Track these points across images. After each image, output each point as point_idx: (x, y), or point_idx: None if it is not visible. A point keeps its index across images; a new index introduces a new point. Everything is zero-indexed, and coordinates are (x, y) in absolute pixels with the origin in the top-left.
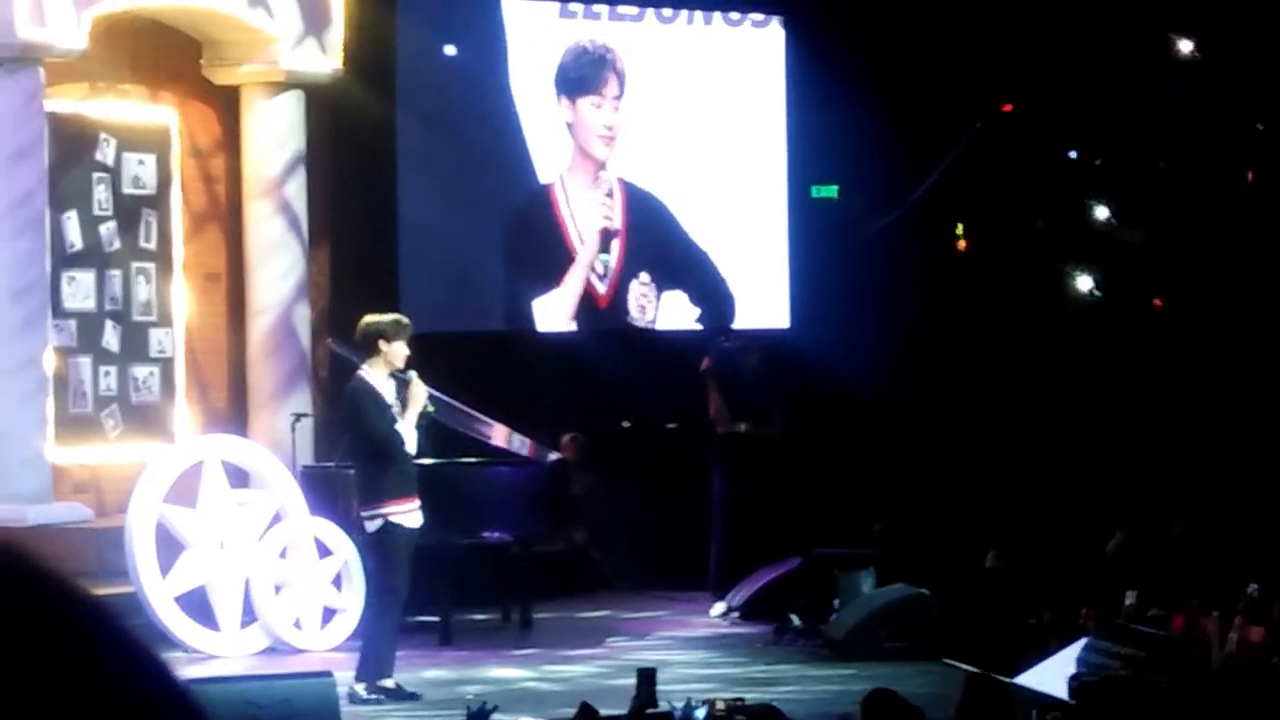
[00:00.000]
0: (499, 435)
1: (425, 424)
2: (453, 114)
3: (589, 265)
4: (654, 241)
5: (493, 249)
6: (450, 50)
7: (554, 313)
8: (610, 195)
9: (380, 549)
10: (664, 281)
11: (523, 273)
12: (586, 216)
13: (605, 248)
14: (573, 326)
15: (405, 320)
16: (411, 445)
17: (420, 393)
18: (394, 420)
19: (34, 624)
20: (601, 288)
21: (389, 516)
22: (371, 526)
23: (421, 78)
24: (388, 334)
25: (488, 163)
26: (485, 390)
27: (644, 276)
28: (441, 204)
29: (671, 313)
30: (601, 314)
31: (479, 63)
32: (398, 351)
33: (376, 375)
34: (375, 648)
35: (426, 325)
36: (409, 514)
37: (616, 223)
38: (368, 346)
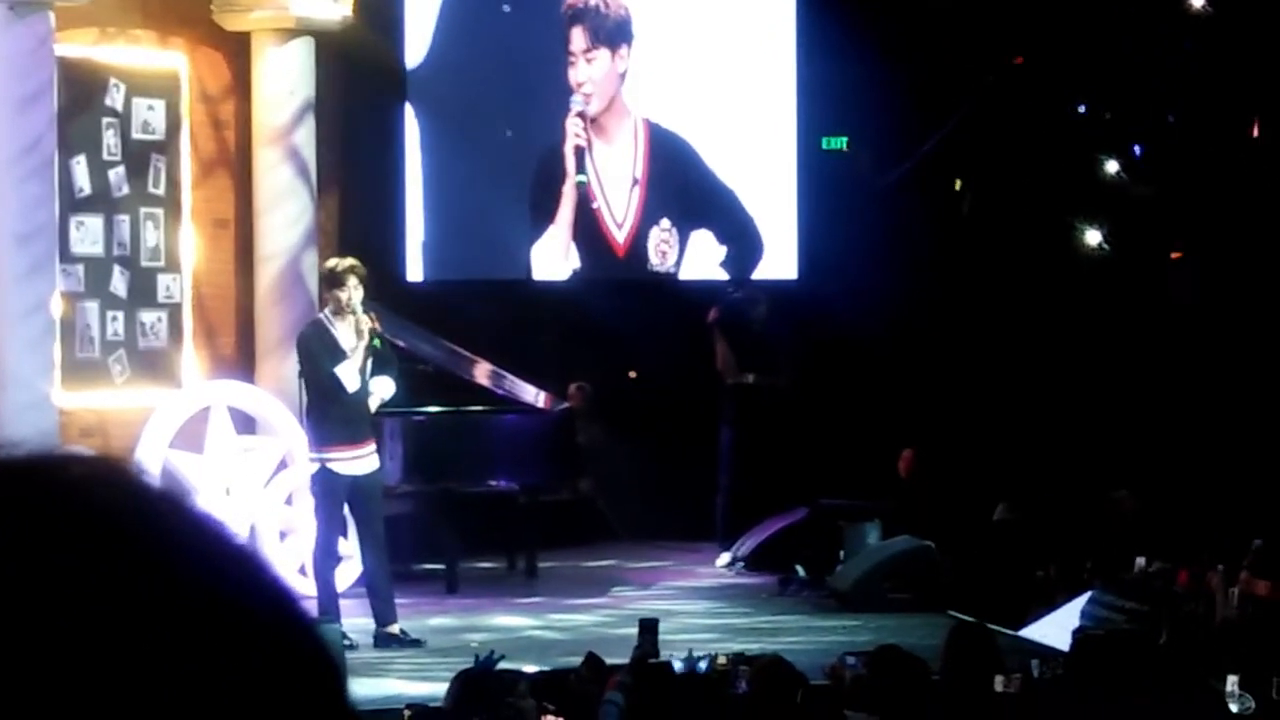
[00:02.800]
0: (487, 376)
1: (378, 363)
2: (470, 61)
3: (599, 210)
4: (676, 185)
5: (503, 198)
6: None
7: (551, 254)
8: (632, 142)
9: (315, 491)
10: (687, 224)
11: (533, 218)
12: (605, 166)
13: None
14: (570, 268)
15: (349, 262)
16: (351, 386)
17: (363, 327)
18: (338, 362)
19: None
20: (619, 236)
21: (326, 462)
22: (311, 470)
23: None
24: (336, 277)
25: (503, 110)
26: (494, 339)
27: (665, 223)
28: (451, 152)
29: (696, 255)
30: (620, 263)
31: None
32: (349, 295)
33: (334, 319)
34: (319, 592)
35: (435, 274)
36: (349, 461)
37: (638, 171)
38: (328, 291)
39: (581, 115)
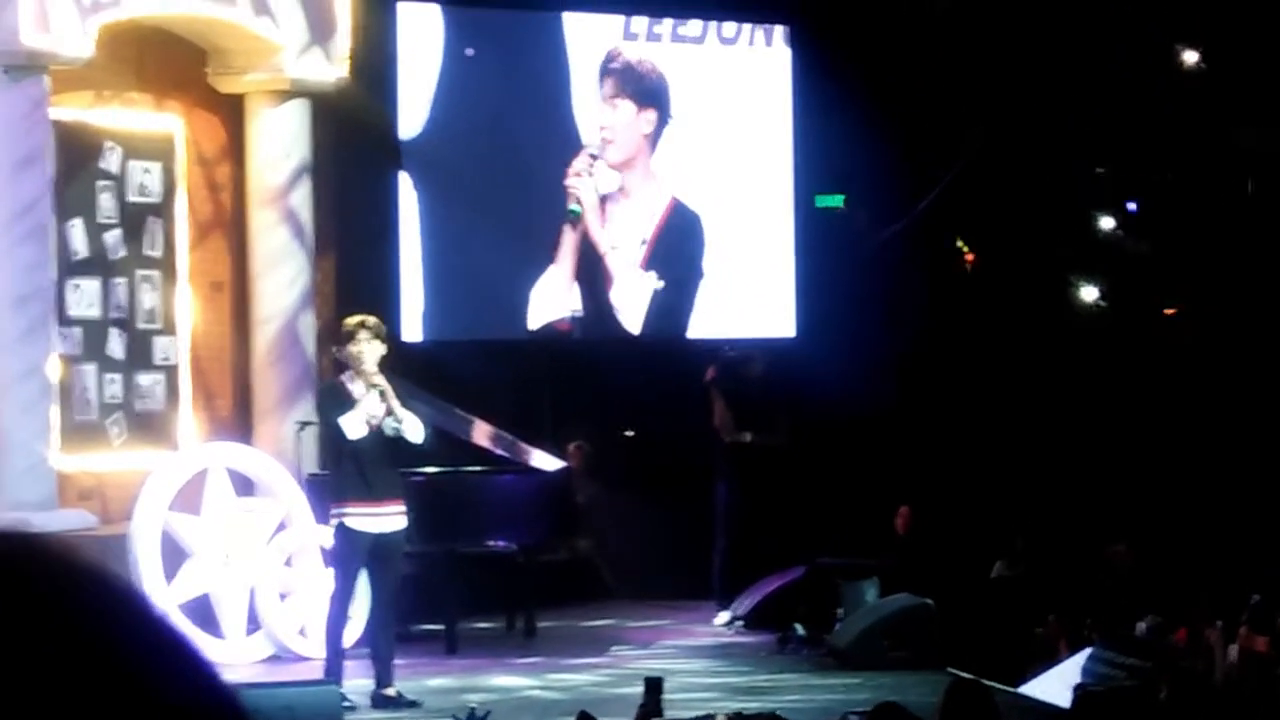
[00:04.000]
0: (486, 437)
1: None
2: (468, 125)
3: (606, 254)
4: (677, 251)
5: (500, 257)
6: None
7: (552, 294)
8: (652, 207)
9: (334, 549)
10: (674, 284)
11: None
12: (622, 221)
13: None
14: (570, 309)
15: (359, 318)
16: (351, 434)
17: (372, 395)
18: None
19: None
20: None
21: (343, 518)
22: (330, 527)
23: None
24: (347, 333)
25: (503, 172)
26: (491, 399)
27: (652, 274)
28: (446, 213)
29: (698, 312)
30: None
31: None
32: (360, 350)
33: (353, 377)
34: (328, 651)
35: (431, 334)
36: (366, 518)
37: (647, 233)
38: (340, 349)
39: (594, 156)
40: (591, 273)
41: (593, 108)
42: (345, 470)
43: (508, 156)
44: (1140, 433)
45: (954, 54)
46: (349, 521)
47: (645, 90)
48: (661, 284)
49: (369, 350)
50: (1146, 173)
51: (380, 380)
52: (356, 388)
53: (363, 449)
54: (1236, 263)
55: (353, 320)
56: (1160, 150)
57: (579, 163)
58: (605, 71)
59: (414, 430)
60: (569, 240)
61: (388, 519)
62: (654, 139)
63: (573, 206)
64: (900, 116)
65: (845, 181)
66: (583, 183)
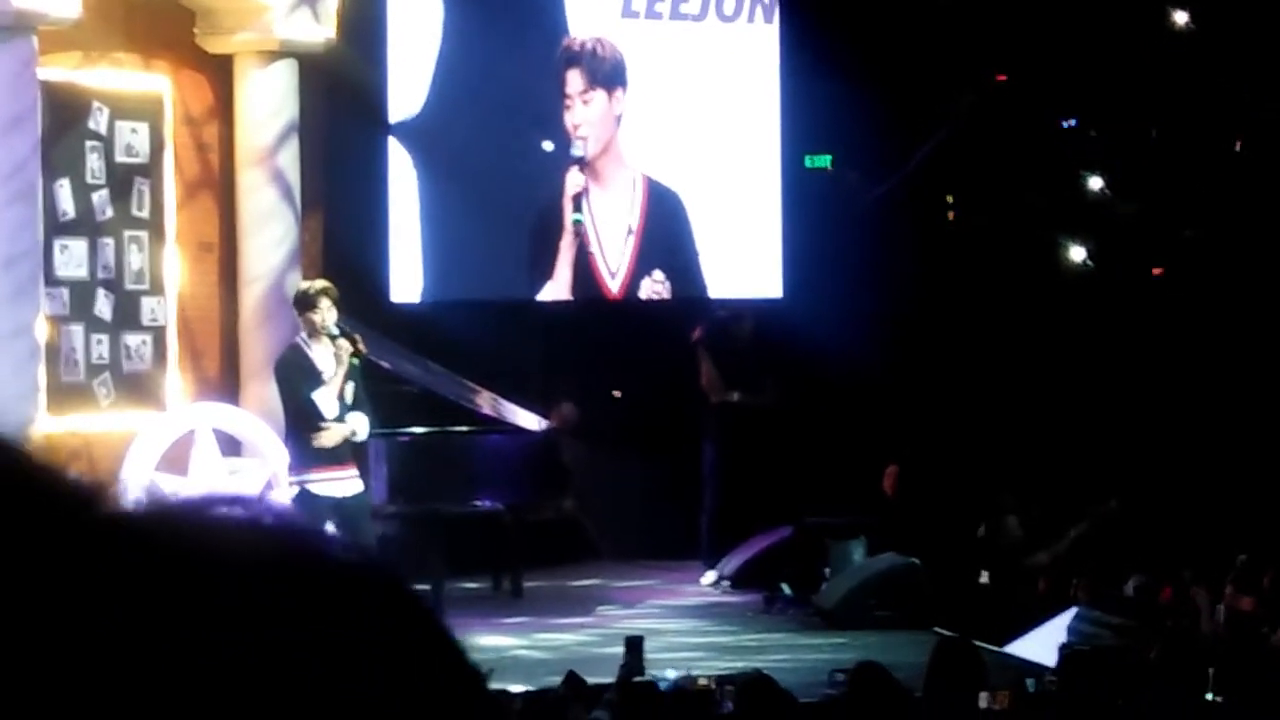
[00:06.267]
0: (485, 402)
1: (355, 402)
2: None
3: (594, 255)
4: (670, 241)
5: (490, 219)
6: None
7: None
8: (630, 192)
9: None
10: (678, 276)
11: (531, 276)
12: (600, 212)
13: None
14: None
15: (321, 284)
16: (329, 412)
17: (342, 351)
18: (315, 388)
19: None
20: (614, 285)
21: (306, 484)
22: (292, 494)
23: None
24: (309, 300)
25: (495, 145)
26: (479, 360)
27: (658, 274)
28: (437, 175)
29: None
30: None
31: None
32: (322, 317)
33: (310, 342)
34: None
35: (420, 295)
36: (329, 483)
37: (633, 221)
38: (301, 314)
39: (580, 164)
40: (584, 278)
41: (563, 109)
42: (305, 437)
43: (500, 122)
44: (1128, 393)
45: (944, 13)
46: (313, 487)
47: (611, 72)
48: (666, 285)
49: (330, 317)
50: (1134, 133)
51: (359, 347)
52: (319, 356)
53: (328, 418)
54: (1224, 223)
55: (315, 285)
56: (1148, 111)
57: (571, 179)
58: (568, 65)
59: (363, 432)
60: (566, 255)
61: (347, 483)
62: (620, 117)
63: (576, 216)
64: (889, 76)
65: (833, 142)
66: (581, 191)
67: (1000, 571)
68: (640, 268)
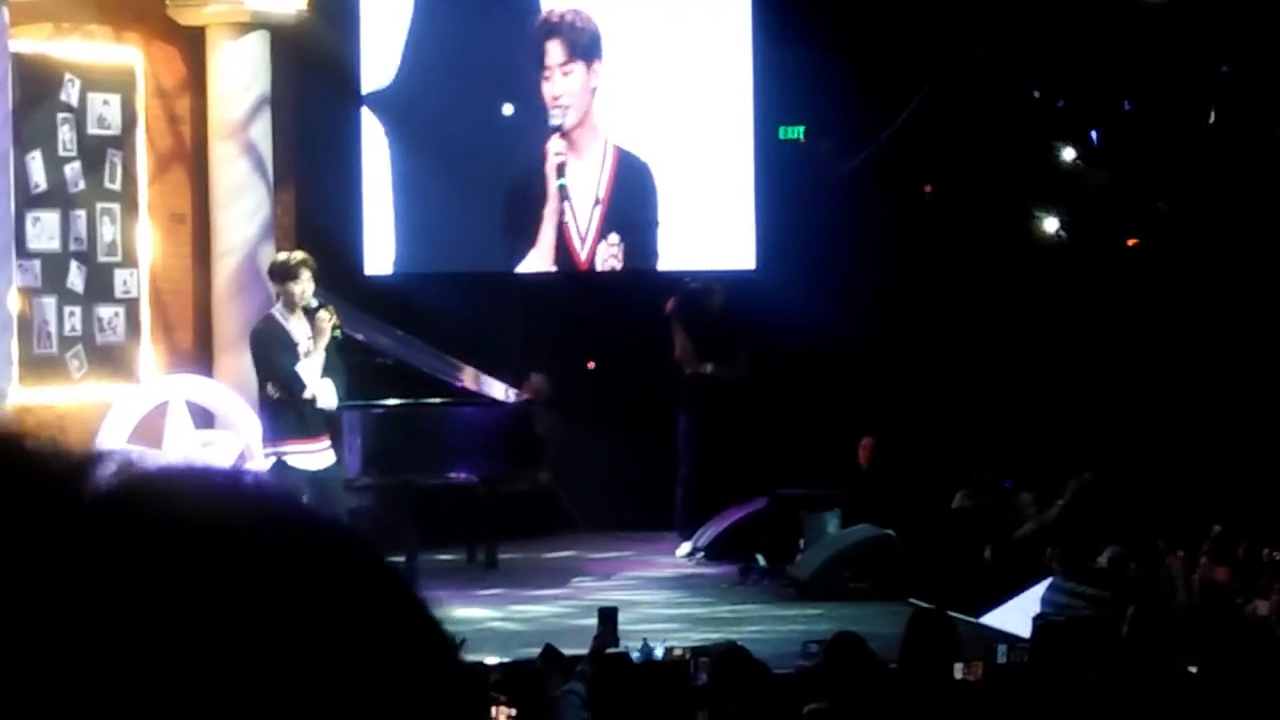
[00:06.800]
0: (467, 377)
1: (328, 369)
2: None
3: (567, 223)
4: (632, 209)
5: (464, 191)
6: None
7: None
8: (600, 162)
9: None
10: (630, 237)
11: (512, 244)
12: (574, 181)
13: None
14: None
15: (300, 256)
16: (313, 386)
17: (324, 324)
18: (295, 360)
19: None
20: (583, 252)
21: (282, 456)
22: (266, 465)
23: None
24: (289, 271)
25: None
26: (449, 331)
27: (613, 237)
28: (411, 146)
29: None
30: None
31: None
32: (303, 289)
33: (287, 314)
34: None
35: (393, 268)
36: (306, 455)
37: (601, 191)
38: (280, 285)
39: (560, 132)
40: (560, 246)
41: (541, 80)
42: (285, 410)
43: (473, 93)
44: (1102, 364)
45: None
46: (288, 460)
47: (589, 43)
48: (620, 247)
49: (310, 288)
50: (1108, 103)
51: (334, 320)
52: (295, 327)
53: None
54: (1197, 194)
55: (294, 256)
56: (1121, 81)
57: (553, 146)
58: (547, 36)
59: (329, 401)
60: (550, 223)
61: (321, 455)
62: (595, 89)
63: (561, 181)
64: (863, 47)
65: (807, 113)
66: (560, 157)
67: (1001, 547)
68: (602, 238)
